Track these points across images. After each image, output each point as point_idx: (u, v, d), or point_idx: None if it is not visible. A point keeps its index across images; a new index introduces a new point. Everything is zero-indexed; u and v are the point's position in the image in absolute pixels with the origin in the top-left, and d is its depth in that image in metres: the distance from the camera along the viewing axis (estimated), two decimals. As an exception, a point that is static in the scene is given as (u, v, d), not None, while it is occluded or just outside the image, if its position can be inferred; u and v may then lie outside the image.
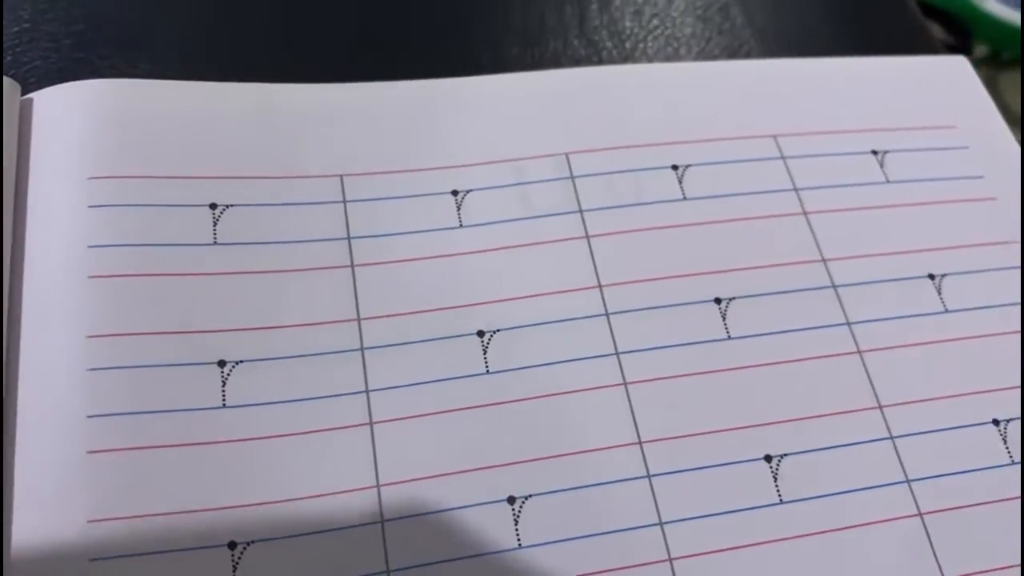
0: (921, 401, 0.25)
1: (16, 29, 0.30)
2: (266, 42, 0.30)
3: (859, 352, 0.25)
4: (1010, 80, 0.73)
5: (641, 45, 0.33)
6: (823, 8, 0.35)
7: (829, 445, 0.24)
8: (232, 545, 0.21)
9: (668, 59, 0.32)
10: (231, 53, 0.30)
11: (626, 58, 0.32)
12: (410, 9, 0.32)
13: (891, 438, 0.24)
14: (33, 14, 0.30)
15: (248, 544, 0.21)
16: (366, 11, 0.32)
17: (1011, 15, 0.68)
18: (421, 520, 0.22)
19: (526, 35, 0.32)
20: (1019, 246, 0.28)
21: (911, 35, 0.35)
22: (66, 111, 0.25)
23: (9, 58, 0.29)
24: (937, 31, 0.64)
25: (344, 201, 0.26)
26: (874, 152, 0.29)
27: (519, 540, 0.22)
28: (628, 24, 0.33)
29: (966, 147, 0.29)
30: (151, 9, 0.31)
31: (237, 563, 0.21)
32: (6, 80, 0.25)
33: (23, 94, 0.26)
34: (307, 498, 0.22)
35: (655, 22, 0.33)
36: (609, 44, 0.32)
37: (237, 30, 0.31)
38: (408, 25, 0.32)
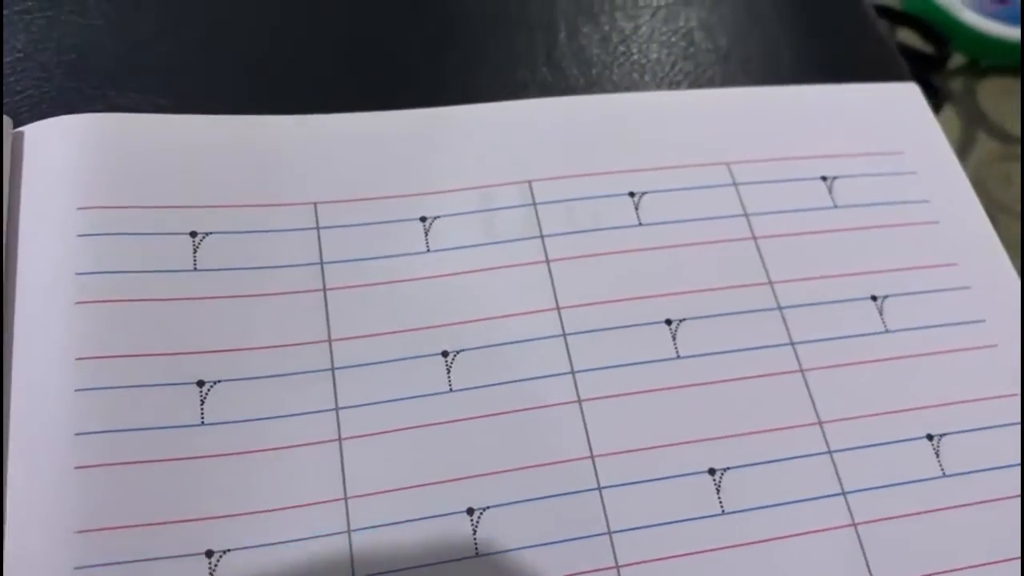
0: (859, 417, 0.26)
1: (10, 59, 0.31)
2: (247, 73, 0.32)
3: (801, 371, 0.27)
4: (989, 88, 0.74)
5: (607, 72, 0.34)
6: (788, 34, 0.36)
7: (770, 459, 0.26)
8: (209, 553, 0.23)
9: (633, 85, 0.34)
10: (215, 83, 0.31)
11: (592, 84, 0.34)
12: (383, 40, 0.33)
13: (829, 452, 0.26)
14: (27, 44, 0.32)
15: (224, 552, 0.23)
16: (340, 43, 0.33)
17: (988, 26, 0.69)
18: (386, 530, 0.24)
19: (497, 64, 0.33)
20: (959, 267, 0.29)
21: (877, 58, 0.37)
22: (56, 144, 0.27)
23: (3, 87, 0.31)
24: (915, 40, 0.65)
25: (318, 228, 0.27)
26: (823, 178, 0.30)
27: (477, 549, 0.24)
28: (595, 51, 0.35)
29: (914, 172, 0.31)
30: (140, 41, 0.32)
31: (213, 570, 0.23)
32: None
33: (15, 126, 0.27)
34: (279, 509, 0.24)
35: (621, 48, 0.35)
36: (576, 71, 0.34)
37: (220, 61, 0.32)
38: (381, 55, 0.33)
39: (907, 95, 0.33)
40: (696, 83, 0.34)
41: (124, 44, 0.32)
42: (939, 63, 0.63)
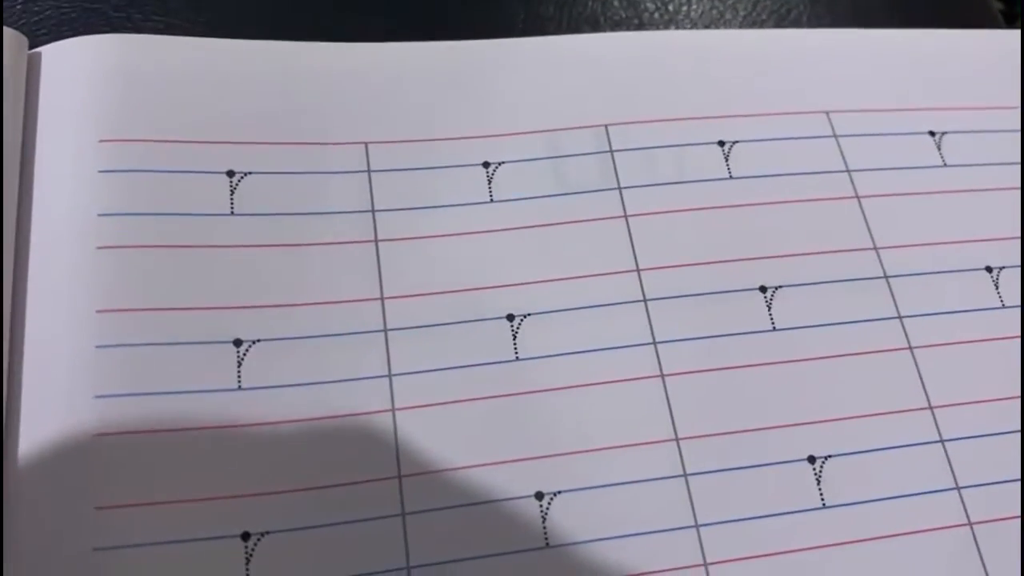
0: (974, 403, 0.23)
1: (25, -26, 0.28)
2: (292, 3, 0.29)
3: (910, 348, 0.24)
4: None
5: (685, 8, 0.31)
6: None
7: (876, 447, 0.23)
8: (246, 536, 0.20)
9: (713, 22, 0.30)
10: (254, 6, 0.28)
11: (669, 21, 0.30)
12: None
13: (941, 441, 0.23)
14: (43, -41, 0.28)
15: (263, 535, 0.20)
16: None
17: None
18: (443, 514, 0.21)
19: (563, -6, 0.30)
20: (1084, 238, 0.26)
21: (969, 7, 0.33)
22: (76, 67, 0.23)
23: (19, 6, 0.28)
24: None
25: (368, 171, 0.24)
26: (931, 133, 0.27)
27: (547, 539, 0.21)
28: (672, -15, 0.31)
29: (1029, 128, 0.28)
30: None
31: (251, 555, 0.20)
32: (9, 32, 0.23)
33: (31, 48, 0.24)
34: (324, 487, 0.21)
35: (700, -17, 0.31)
36: (651, 6, 0.31)
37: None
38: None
39: (1016, 44, 0.29)
40: (781, 23, 0.31)
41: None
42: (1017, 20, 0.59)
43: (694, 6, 0.31)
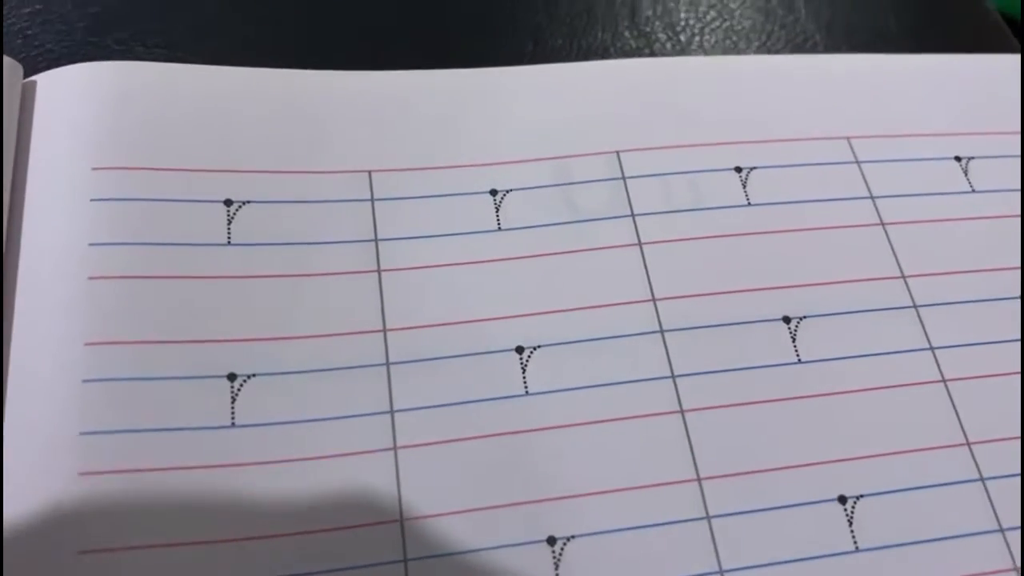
0: (1014, 439, 0.22)
1: (28, 10, 0.28)
2: (293, 28, 0.28)
3: (944, 381, 0.22)
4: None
5: (697, 38, 0.30)
6: (894, 4, 0.32)
7: (911, 486, 0.21)
8: None
9: (727, 52, 0.30)
10: (255, 40, 0.28)
11: (681, 51, 0.29)
12: (446, -5, 0.30)
13: (981, 480, 0.21)
14: (46, -6, 0.28)
15: (255, 583, 0.19)
16: (400, -4, 0.29)
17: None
18: (449, 560, 0.20)
19: (572, 25, 0.29)
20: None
21: (987, 33, 0.33)
22: (71, 95, 0.23)
23: (19, 41, 0.27)
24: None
25: (372, 199, 0.23)
26: (957, 158, 0.26)
27: (560, 586, 0.20)
28: (683, 15, 0.30)
29: (1058, 154, 0.27)
30: (170, -9, 0.28)
31: (242, 605, 0.19)
32: (5, 60, 0.23)
33: (28, 76, 0.24)
34: (321, 531, 0.19)
35: (712, 14, 0.31)
36: (663, 36, 0.30)
37: (262, 16, 0.28)
38: (444, 13, 0.29)
39: (1043, 68, 0.28)
40: (797, 52, 0.30)
41: (153, -5, 0.28)
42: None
43: (707, 36, 0.30)
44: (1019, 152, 0.26)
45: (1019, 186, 0.26)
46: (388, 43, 0.28)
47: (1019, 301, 0.24)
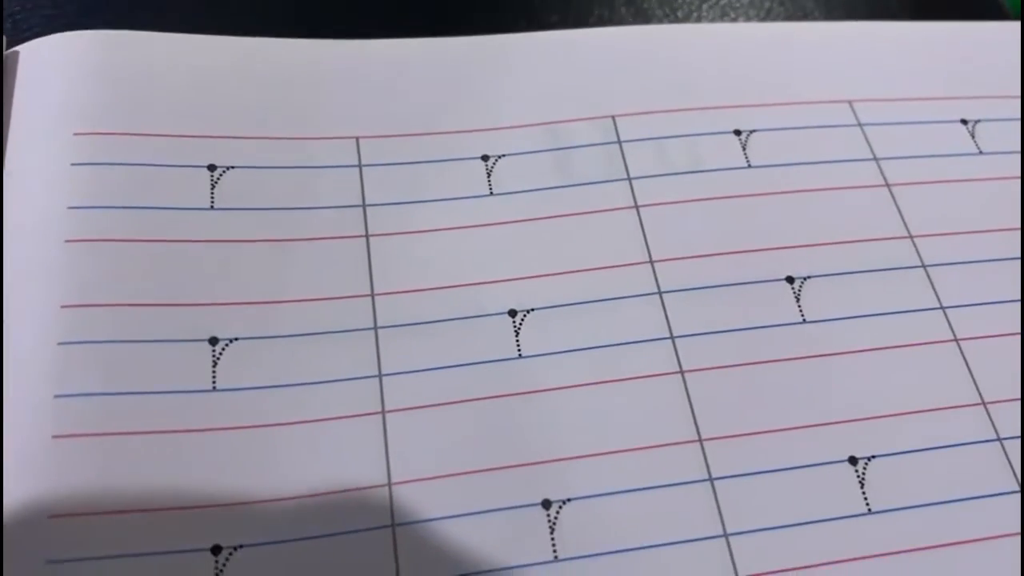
0: (1031, 397, 0.21)
1: (17, -6, 0.28)
2: (284, 7, 0.28)
3: (956, 340, 0.21)
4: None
5: (695, 14, 0.29)
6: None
7: (925, 446, 0.20)
8: (216, 550, 0.18)
9: (726, 26, 0.29)
10: (245, 23, 0.27)
11: (678, 24, 0.29)
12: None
13: (999, 439, 0.20)
14: (36, -22, 0.28)
15: (236, 548, 0.18)
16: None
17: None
18: (439, 525, 0.19)
19: (567, 1, 0.29)
20: None
21: (986, 11, 0.32)
22: (53, 63, 0.22)
23: (8, 25, 0.27)
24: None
25: (360, 165, 0.23)
26: (963, 121, 0.25)
27: (556, 551, 0.19)
28: (680, -9, 0.30)
29: (1068, 119, 0.26)
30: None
31: (221, 570, 0.18)
32: (-13, 28, 0.22)
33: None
34: (306, 497, 0.19)
35: (710, -11, 0.30)
36: (660, 12, 0.29)
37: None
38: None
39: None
40: (798, 27, 0.29)
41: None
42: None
43: (704, 12, 0.30)
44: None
45: (1016, 148, 0.25)
46: (379, 20, 0.28)
47: (1031, 262, 0.23)
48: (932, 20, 0.29)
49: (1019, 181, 0.24)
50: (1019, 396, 0.21)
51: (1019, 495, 0.20)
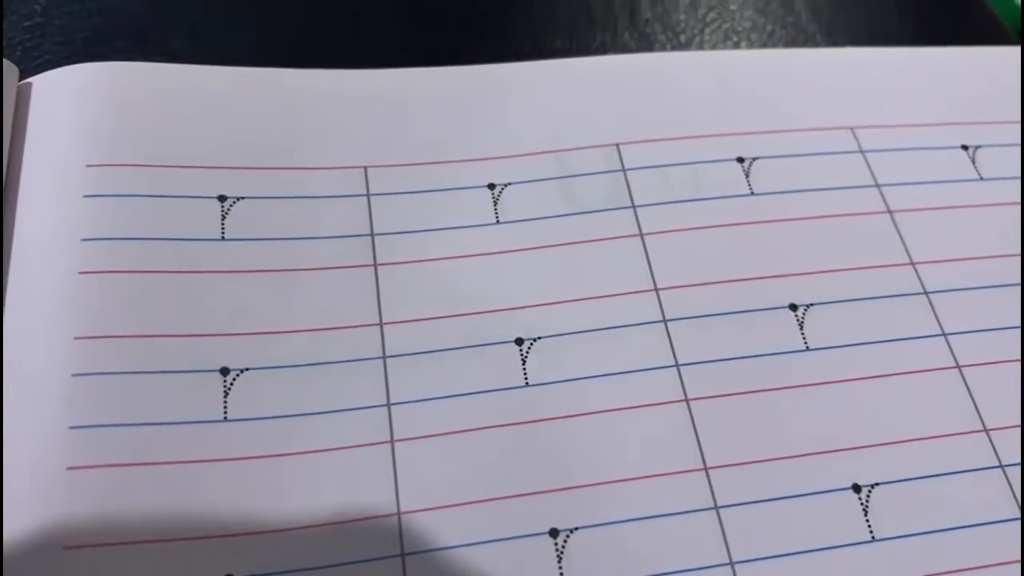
0: (1034, 424, 0.21)
1: (28, 23, 0.28)
2: (291, 38, 0.28)
3: (958, 367, 0.22)
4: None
5: (697, 38, 0.30)
6: (896, 4, 0.32)
7: (928, 473, 0.20)
8: (224, 573, 0.18)
9: (728, 51, 0.29)
10: (254, 52, 0.27)
11: (681, 51, 0.29)
12: (445, -2, 0.30)
13: (1001, 467, 0.21)
14: (47, 7, 0.28)
15: (247, 579, 0.18)
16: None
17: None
18: (448, 555, 0.19)
19: (571, 27, 0.29)
20: None
21: (989, 34, 0.32)
22: (66, 94, 0.23)
23: (19, 53, 0.27)
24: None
25: (368, 194, 0.23)
26: (964, 147, 0.25)
27: (563, 580, 0.19)
28: (682, 16, 0.30)
29: (1068, 143, 0.26)
30: (169, 3, 0.29)
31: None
32: (2, 62, 0.23)
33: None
34: (316, 526, 0.19)
35: (712, 15, 0.31)
36: (663, 37, 0.30)
37: (262, 26, 0.28)
38: (441, 15, 0.29)
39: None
40: (799, 51, 0.30)
41: (153, 5, 0.28)
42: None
43: (707, 36, 0.30)
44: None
45: (1018, 173, 0.25)
46: (385, 46, 0.28)
47: (1034, 288, 0.23)
48: (934, 44, 0.29)
49: (1020, 207, 0.24)
50: (1020, 423, 0.21)
51: (1020, 522, 0.20)
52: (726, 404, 0.21)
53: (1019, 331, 0.22)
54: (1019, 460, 0.21)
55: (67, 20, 0.28)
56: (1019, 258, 0.24)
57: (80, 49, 0.27)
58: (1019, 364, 0.22)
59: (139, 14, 0.28)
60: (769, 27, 0.31)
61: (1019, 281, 0.23)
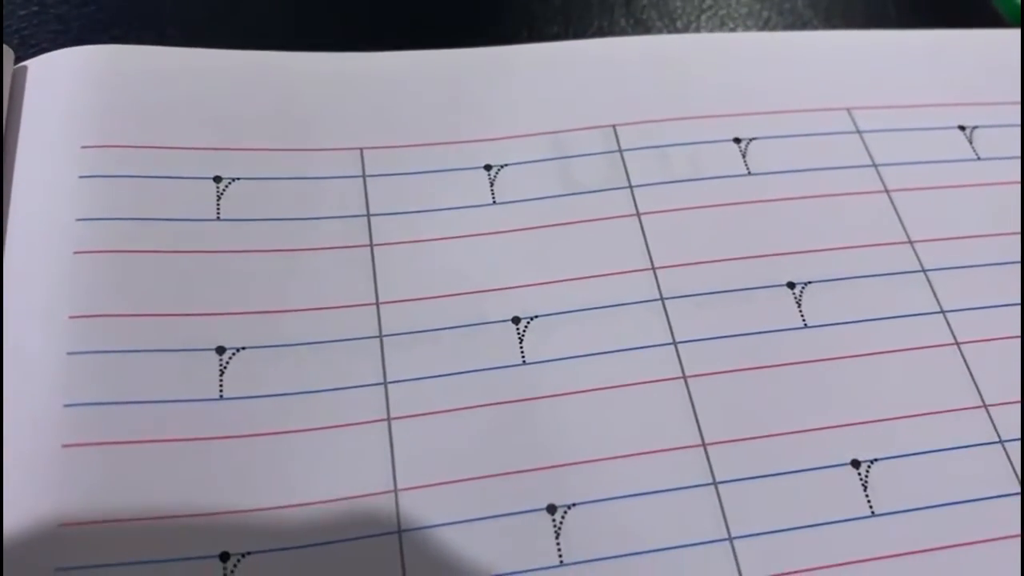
0: (1033, 401, 0.21)
1: (25, 12, 0.28)
2: (287, 24, 0.28)
3: (956, 344, 0.22)
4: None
5: (694, 24, 0.30)
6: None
7: (927, 449, 0.20)
8: (224, 556, 0.18)
9: (725, 36, 0.29)
10: (250, 39, 0.27)
11: (678, 35, 0.29)
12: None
13: (1000, 442, 0.21)
14: (43, -6, 0.28)
15: (243, 556, 0.18)
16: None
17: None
18: (445, 531, 0.19)
19: (567, 12, 0.29)
20: None
21: (985, 20, 0.32)
22: (61, 77, 0.23)
23: (16, 41, 0.27)
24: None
25: (364, 176, 0.23)
26: (961, 127, 0.25)
27: (561, 556, 0.19)
28: (679, 3, 0.30)
29: (1062, 124, 0.26)
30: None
31: (229, 577, 0.18)
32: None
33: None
34: (313, 504, 0.19)
35: (709, 1, 0.31)
36: (659, 23, 0.30)
37: (258, 13, 0.28)
38: (436, 3, 0.29)
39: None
40: (796, 36, 0.30)
41: (148, -6, 0.29)
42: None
43: (703, 23, 0.30)
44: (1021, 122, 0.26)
45: (1014, 153, 0.25)
46: (381, 32, 0.28)
47: (1031, 266, 0.23)
48: (929, 27, 0.29)
49: (1017, 186, 0.24)
50: (1020, 398, 0.21)
51: (1020, 497, 0.20)
52: (724, 381, 0.21)
53: (1017, 308, 0.22)
54: (1018, 435, 0.20)
55: (64, 9, 0.28)
56: (1016, 236, 0.23)
57: (76, 37, 0.27)
58: (1018, 340, 0.22)
59: (134, 5, 0.28)
60: (765, 14, 0.31)
61: (1016, 259, 0.23)
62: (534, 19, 0.29)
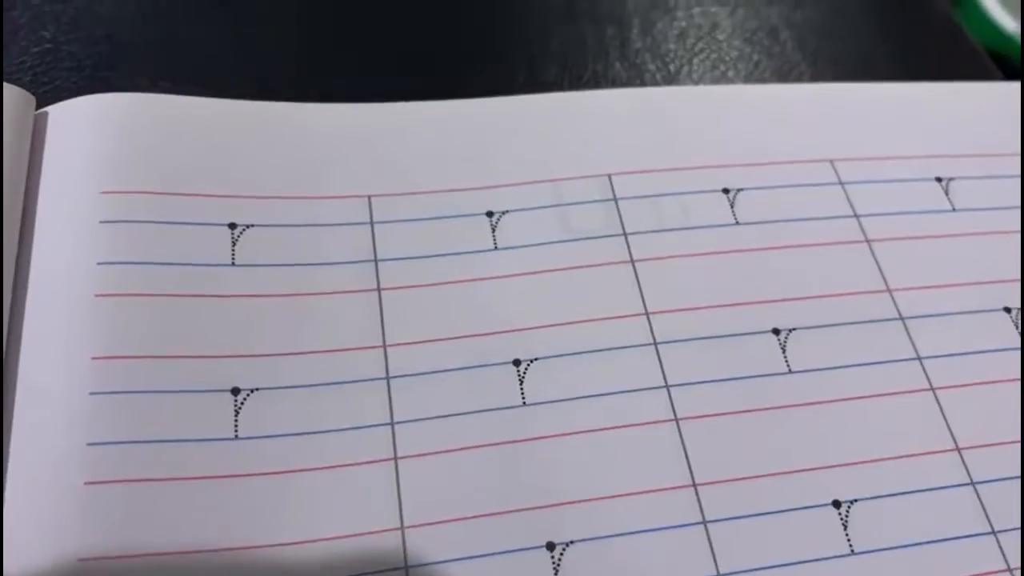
0: (1002, 444, 0.22)
1: (37, 49, 0.29)
2: (295, 63, 0.29)
3: (932, 389, 0.23)
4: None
5: (686, 68, 0.31)
6: (878, 34, 0.33)
7: (904, 490, 0.22)
8: (240, 588, 0.19)
9: (715, 82, 0.31)
10: (257, 74, 0.28)
11: (671, 81, 0.31)
12: (439, 30, 0.31)
13: (972, 484, 0.22)
14: (56, 34, 0.29)
15: (258, 590, 0.19)
16: (394, 32, 0.30)
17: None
18: (450, 567, 0.20)
19: (564, 57, 0.31)
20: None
21: (967, 64, 0.34)
22: (81, 124, 0.24)
23: (29, 78, 0.28)
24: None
25: (371, 222, 0.24)
26: (938, 179, 0.27)
27: (559, 592, 0.20)
28: (672, 47, 0.32)
29: (1033, 176, 0.27)
30: (175, 28, 0.30)
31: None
32: (17, 91, 0.23)
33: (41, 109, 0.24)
34: (323, 540, 0.20)
35: (700, 45, 0.32)
36: (652, 67, 0.31)
37: (263, 51, 0.29)
38: (437, 46, 0.30)
39: (1013, 95, 0.29)
40: (783, 82, 0.31)
41: (159, 32, 0.29)
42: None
43: (695, 67, 0.31)
44: (997, 174, 0.27)
45: (999, 205, 0.26)
46: (385, 77, 0.29)
47: (1004, 312, 0.24)
48: (916, 74, 0.31)
49: (990, 236, 0.26)
50: (991, 442, 0.22)
51: (991, 536, 0.21)
52: (714, 424, 0.22)
53: (989, 354, 0.24)
54: (990, 477, 0.22)
55: (76, 47, 0.29)
56: (990, 285, 0.25)
57: (91, 75, 0.28)
58: (989, 386, 0.23)
59: (145, 40, 0.29)
60: (755, 57, 0.32)
61: (990, 307, 0.24)
62: (533, 60, 0.30)
